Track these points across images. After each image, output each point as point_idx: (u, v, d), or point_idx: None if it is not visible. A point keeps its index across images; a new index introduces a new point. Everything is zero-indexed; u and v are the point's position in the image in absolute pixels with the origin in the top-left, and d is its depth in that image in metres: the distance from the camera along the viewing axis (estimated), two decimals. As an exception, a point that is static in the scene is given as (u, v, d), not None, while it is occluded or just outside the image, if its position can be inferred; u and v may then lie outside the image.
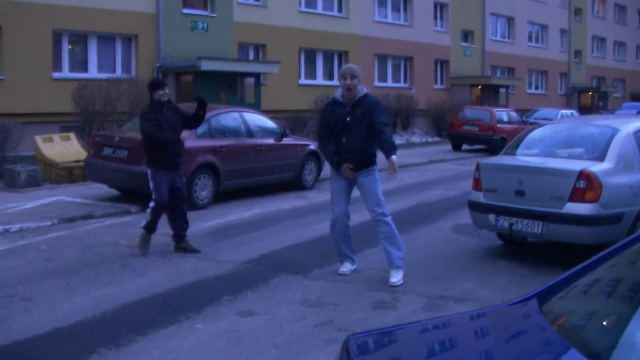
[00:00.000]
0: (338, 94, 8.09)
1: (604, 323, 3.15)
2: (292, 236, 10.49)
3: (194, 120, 9.80)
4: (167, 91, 9.46)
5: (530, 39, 46.94)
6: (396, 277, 7.88)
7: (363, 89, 8.06)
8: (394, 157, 7.72)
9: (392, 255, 7.97)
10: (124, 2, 22.95)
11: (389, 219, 8.03)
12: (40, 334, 6.26)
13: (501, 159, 9.69)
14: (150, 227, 9.34)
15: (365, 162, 8.01)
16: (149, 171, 9.44)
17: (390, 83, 34.72)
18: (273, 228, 11.16)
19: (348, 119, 7.93)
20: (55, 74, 21.34)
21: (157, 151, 9.30)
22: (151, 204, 9.37)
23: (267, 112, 17.93)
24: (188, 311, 6.82)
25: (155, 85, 9.49)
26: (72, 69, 22.20)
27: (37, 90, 20.42)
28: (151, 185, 9.39)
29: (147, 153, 9.55)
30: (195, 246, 9.55)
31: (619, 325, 2.99)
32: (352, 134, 7.92)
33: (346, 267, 8.33)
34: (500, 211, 8.84)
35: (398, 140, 30.02)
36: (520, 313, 3.30)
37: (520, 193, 8.62)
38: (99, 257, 9.04)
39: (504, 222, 8.79)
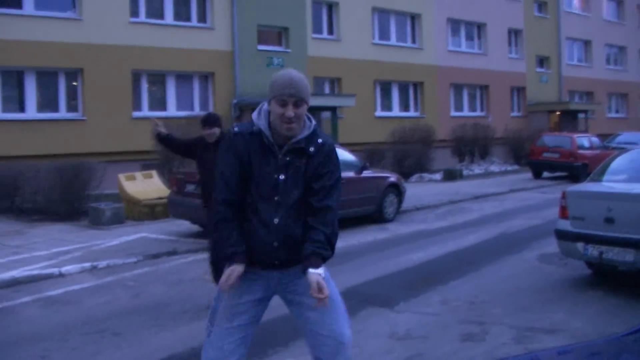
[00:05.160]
0: (262, 125, 4.03)
1: None
2: (376, 269, 10.42)
3: None
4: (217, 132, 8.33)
5: (608, 61, 46.09)
6: None
7: (312, 122, 4.12)
8: (320, 271, 3.86)
9: None
10: (200, 41, 23.45)
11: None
12: (131, 370, 6.33)
13: (588, 186, 9.49)
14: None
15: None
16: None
17: (466, 112, 34.52)
18: (356, 261, 11.09)
19: (282, 177, 4.00)
20: (135, 113, 21.93)
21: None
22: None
23: (344, 145, 17.97)
24: (276, 345, 6.80)
25: (212, 121, 8.49)
26: (151, 107, 22.79)
27: (118, 130, 21.00)
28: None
29: (208, 190, 7.85)
30: None
31: None
32: (287, 204, 4.02)
33: None
34: (589, 239, 8.62)
35: (477, 169, 29.63)
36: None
37: (609, 220, 8.39)
38: (185, 294, 9.12)
39: (593, 250, 8.57)
